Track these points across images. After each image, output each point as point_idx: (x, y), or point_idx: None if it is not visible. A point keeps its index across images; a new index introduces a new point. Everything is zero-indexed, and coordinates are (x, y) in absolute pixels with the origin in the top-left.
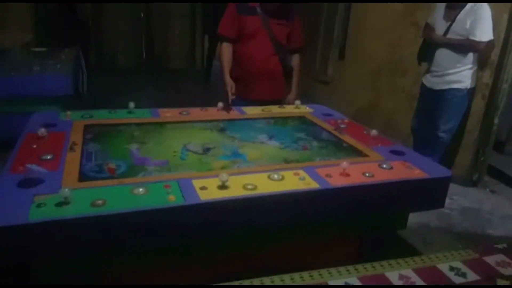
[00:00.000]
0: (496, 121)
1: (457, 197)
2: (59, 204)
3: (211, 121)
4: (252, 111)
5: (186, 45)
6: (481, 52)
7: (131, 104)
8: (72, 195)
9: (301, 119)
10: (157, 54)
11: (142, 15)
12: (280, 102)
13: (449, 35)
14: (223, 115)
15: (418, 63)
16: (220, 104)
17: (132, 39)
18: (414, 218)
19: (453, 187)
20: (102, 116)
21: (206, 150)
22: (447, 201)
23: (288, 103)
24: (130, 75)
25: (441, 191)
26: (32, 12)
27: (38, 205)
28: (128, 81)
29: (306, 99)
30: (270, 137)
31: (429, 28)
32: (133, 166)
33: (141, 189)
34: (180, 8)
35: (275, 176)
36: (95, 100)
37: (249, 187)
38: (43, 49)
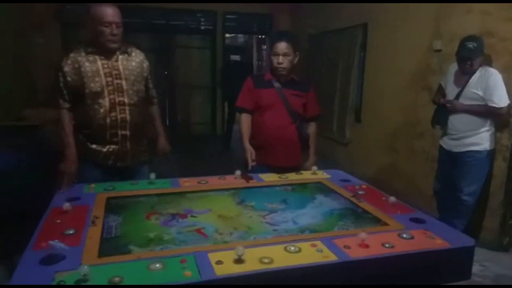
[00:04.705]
0: None
1: (489, 264)
2: (78, 282)
3: (228, 189)
4: (270, 178)
5: (208, 113)
6: (502, 116)
7: (152, 175)
8: (91, 272)
9: (318, 185)
10: (180, 122)
11: (166, 86)
12: (297, 168)
13: (460, 100)
14: (241, 183)
15: (432, 126)
16: (238, 172)
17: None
18: None
19: (484, 253)
20: (124, 188)
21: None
22: (479, 268)
23: (306, 169)
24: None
25: (465, 261)
26: None
27: (58, 283)
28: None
29: (325, 160)
30: (288, 205)
31: (444, 96)
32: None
33: (157, 265)
34: (201, 80)
35: (292, 248)
36: None
37: (266, 260)
38: None
